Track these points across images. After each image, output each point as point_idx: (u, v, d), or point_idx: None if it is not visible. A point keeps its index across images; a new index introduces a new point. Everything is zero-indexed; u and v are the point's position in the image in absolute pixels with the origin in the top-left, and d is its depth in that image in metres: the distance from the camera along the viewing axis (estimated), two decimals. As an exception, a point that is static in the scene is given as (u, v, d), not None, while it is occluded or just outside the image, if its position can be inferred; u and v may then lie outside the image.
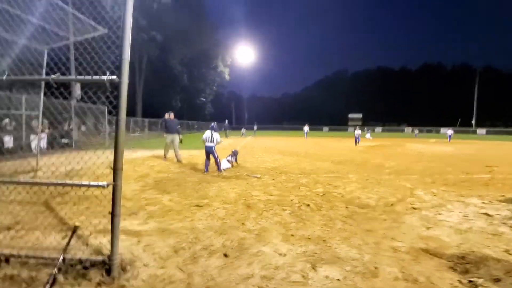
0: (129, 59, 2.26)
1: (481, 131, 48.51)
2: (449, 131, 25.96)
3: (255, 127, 34.58)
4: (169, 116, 9.48)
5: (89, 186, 2.28)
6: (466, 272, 2.43)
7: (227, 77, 49.79)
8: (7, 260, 2.54)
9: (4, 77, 2.30)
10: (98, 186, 2.22)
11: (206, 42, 40.21)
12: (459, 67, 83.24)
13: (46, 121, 11.12)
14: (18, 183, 2.61)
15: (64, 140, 13.19)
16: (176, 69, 35.03)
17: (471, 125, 52.49)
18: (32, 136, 10.69)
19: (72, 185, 2.31)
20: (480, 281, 2.26)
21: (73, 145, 13.41)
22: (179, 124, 9.67)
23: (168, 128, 9.37)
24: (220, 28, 52.86)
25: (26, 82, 7.31)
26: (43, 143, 11.09)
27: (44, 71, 6.86)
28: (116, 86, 2.29)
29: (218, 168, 7.44)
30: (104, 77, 2.24)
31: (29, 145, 10.61)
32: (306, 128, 30.52)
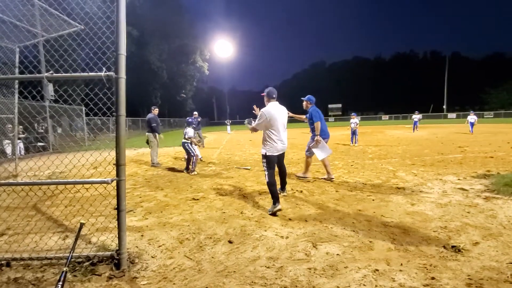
0: (125, 54, 2.26)
1: (452, 115, 51.44)
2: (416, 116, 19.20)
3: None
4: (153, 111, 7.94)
5: (93, 183, 2.29)
6: (449, 239, 2.70)
7: (206, 72, 49.19)
8: (8, 264, 2.50)
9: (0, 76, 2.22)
10: (102, 182, 2.23)
11: (184, 36, 39.32)
12: (429, 54, 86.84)
13: (20, 126, 10.52)
14: (17, 184, 2.54)
15: (40, 143, 12.58)
16: (154, 65, 34.02)
17: (442, 110, 55.41)
18: (5, 141, 10.10)
19: (75, 183, 2.29)
20: (462, 245, 2.52)
21: (50, 148, 12.82)
22: (155, 122, 7.75)
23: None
24: (197, 22, 51.70)
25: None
26: (20, 148, 10.53)
27: (17, 70, 6.52)
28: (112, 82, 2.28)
29: (187, 167, 6.64)
30: (101, 73, 2.23)
31: (2, 151, 10.02)
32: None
